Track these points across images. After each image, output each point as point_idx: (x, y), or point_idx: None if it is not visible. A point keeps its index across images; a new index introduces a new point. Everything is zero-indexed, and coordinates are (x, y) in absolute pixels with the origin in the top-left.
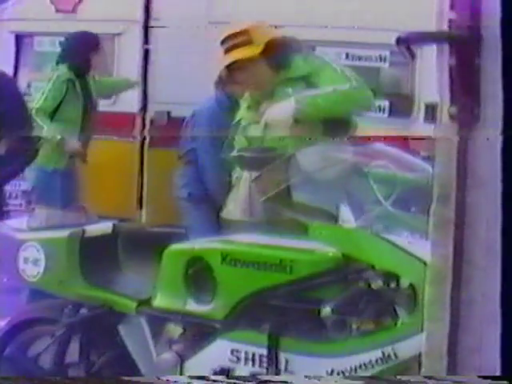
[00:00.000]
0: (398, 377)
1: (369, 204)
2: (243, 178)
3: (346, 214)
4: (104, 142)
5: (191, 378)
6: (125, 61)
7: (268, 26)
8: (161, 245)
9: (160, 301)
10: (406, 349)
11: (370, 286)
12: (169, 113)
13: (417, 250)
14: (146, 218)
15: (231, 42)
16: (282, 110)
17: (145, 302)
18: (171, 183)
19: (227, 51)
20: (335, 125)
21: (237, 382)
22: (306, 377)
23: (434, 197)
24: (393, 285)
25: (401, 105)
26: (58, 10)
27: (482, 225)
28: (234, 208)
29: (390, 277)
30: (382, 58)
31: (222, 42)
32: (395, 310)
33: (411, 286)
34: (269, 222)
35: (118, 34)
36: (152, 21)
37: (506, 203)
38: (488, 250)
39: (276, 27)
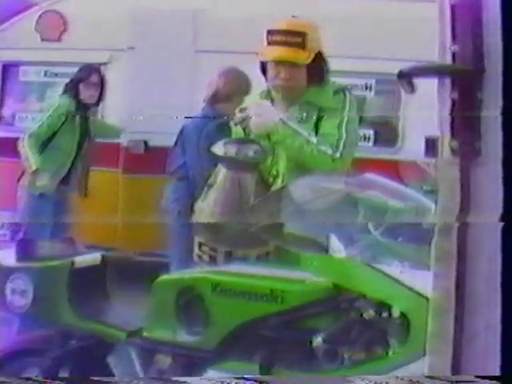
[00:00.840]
0: (399, 376)
1: (359, 233)
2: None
3: (336, 244)
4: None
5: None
6: (111, 89)
7: (320, 34)
8: (150, 275)
9: (150, 331)
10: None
11: (361, 315)
12: (146, 142)
13: (408, 279)
14: (125, 246)
15: (284, 37)
16: (266, 122)
17: (135, 333)
18: (149, 210)
19: (275, 44)
20: None
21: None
22: None
23: (436, 229)
24: (384, 314)
25: (386, 134)
26: (43, 39)
27: (484, 258)
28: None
29: (382, 306)
30: (367, 87)
31: (272, 33)
32: (387, 340)
33: (403, 315)
34: (260, 251)
35: (105, 63)
36: (139, 49)
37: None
38: (489, 283)
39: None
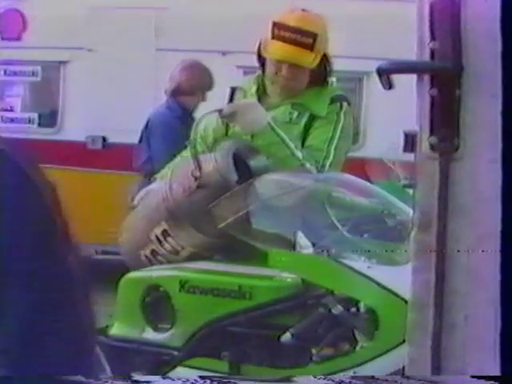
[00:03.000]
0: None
1: (326, 230)
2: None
3: (304, 240)
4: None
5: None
6: (71, 89)
7: (328, 36)
8: (116, 272)
9: (117, 329)
10: (367, 373)
11: (329, 311)
12: (104, 138)
13: (376, 275)
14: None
15: (293, 35)
16: (253, 123)
17: (100, 331)
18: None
19: (281, 40)
20: None
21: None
22: None
23: (415, 224)
24: (352, 310)
25: None
26: (3, 38)
27: (464, 251)
28: None
29: (350, 302)
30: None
31: (280, 27)
32: (354, 335)
33: (370, 310)
34: (227, 248)
35: (64, 62)
36: (99, 47)
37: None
38: (469, 275)
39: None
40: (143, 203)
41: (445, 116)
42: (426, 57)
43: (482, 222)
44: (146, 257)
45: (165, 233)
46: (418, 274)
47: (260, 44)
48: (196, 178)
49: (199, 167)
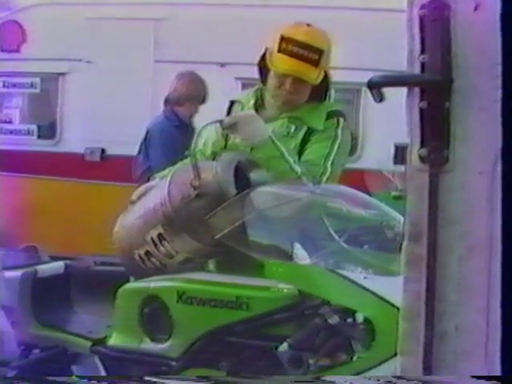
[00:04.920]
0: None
1: (322, 241)
2: None
3: (301, 252)
4: (52, 181)
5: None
6: (70, 100)
7: (331, 52)
8: (114, 283)
9: (115, 340)
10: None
11: (326, 321)
12: (103, 150)
13: (372, 285)
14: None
15: (300, 50)
16: (255, 135)
17: (99, 342)
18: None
19: (287, 54)
20: None
21: None
22: None
23: (406, 235)
24: (349, 320)
25: None
26: (2, 50)
27: (454, 262)
28: None
29: (346, 312)
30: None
31: (288, 41)
32: (351, 346)
33: (367, 320)
34: (224, 259)
35: (63, 74)
36: (98, 59)
37: None
38: (459, 285)
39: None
40: (142, 201)
41: (434, 128)
42: (417, 69)
43: (472, 232)
44: (140, 257)
45: (160, 236)
46: (409, 284)
47: (264, 56)
48: (195, 188)
49: (199, 177)
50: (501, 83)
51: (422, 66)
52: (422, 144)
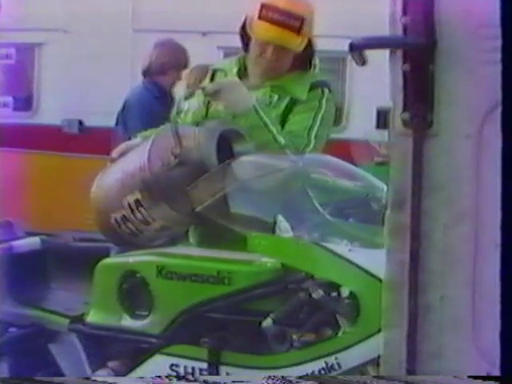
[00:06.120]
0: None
1: (306, 213)
2: None
3: (284, 224)
4: (31, 155)
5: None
6: (46, 71)
7: (314, 20)
8: (92, 259)
9: (93, 317)
10: (350, 359)
11: (310, 296)
12: (80, 122)
13: (358, 258)
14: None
15: (281, 17)
16: (238, 103)
17: (77, 319)
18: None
19: (268, 21)
20: None
21: None
22: None
23: (389, 203)
24: (333, 294)
25: None
26: None
27: (439, 231)
28: None
29: (331, 286)
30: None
31: (267, 8)
32: (336, 320)
33: (352, 295)
34: (205, 232)
35: (39, 44)
36: (75, 29)
37: None
38: (444, 255)
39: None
40: (121, 162)
41: (418, 92)
42: (399, 32)
43: (458, 199)
44: (116, 221)
45: (137, 202)
46: (392, 254)
47: (244, 23)
48: (176, 156)
49: (180, 145)
50: (487, 45)
51: (405, 28)
52: (405, 108)
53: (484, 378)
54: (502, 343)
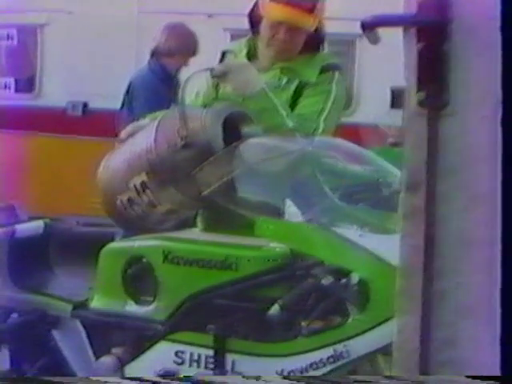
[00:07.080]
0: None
1: (316, 197)
2: None
3: (292, 208)
4: (32, 137)
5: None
6: (49, 52)
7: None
8: (96, 243)
9: (97, 303)
10: (358, 347)
11: (319, 282)
12: (85, 104)
13: (368, 243)
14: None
15: None
16: (247, 85)
17: (81, 305)
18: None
19: (280, 2)
20: None
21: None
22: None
23: (403, 186)
24: (343, 281)
25: None
26: None
27: (454, 214)
28: None
29: (340, 272)
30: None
31: None
32: (345, 307)
33: (362, 281)
34: (213, 217)
35: (42, 25)
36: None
37: None
38: (460, 239)
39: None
40: (129, 143)
41: (432, 71)
42: (413, 10)
43: (475, 182)
44: (122, 203)
45: (143, 185)
46: (406, 239)
47: (255, 5)
48: (182, 138)
49: (186, 127)
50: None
51: (419, 6)
52: (420, 87)
53: (484, 378)
54: (502, 343)
